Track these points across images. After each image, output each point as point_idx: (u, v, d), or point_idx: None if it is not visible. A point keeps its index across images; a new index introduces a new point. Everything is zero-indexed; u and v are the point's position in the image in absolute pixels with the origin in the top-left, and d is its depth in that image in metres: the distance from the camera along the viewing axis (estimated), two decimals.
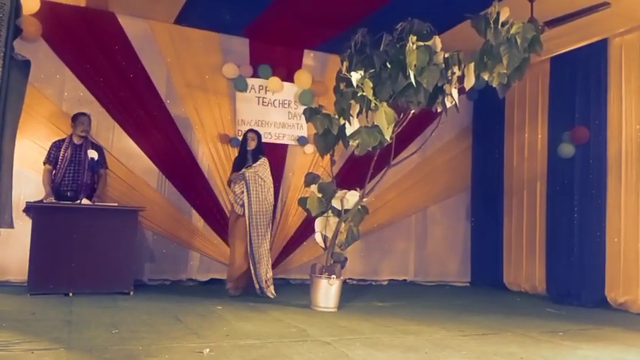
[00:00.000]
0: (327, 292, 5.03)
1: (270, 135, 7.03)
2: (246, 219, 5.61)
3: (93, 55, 6.20)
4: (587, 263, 6.16)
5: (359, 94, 4.72)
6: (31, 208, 5.23)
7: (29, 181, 5.66)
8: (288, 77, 7.09)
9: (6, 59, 2.56)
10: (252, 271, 5.58)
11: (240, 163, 5.88)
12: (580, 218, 6.31)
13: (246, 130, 6.19)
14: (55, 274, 5.10)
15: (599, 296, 6.01)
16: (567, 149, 6.43)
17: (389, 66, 4.80)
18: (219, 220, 6.68)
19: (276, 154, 7.05)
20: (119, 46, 6.31)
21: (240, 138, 6.27)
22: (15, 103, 2.77)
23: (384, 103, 4.77)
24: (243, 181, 5.67)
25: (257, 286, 5.60)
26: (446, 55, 4.72)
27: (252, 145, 5.88)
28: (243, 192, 5.65)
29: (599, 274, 6.03)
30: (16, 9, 2.63)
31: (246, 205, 5.62)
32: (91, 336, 3.50)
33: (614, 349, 3.86)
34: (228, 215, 6.21)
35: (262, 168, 5.79)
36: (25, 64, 2.94)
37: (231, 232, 5.87)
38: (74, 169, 5.55)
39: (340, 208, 5.16)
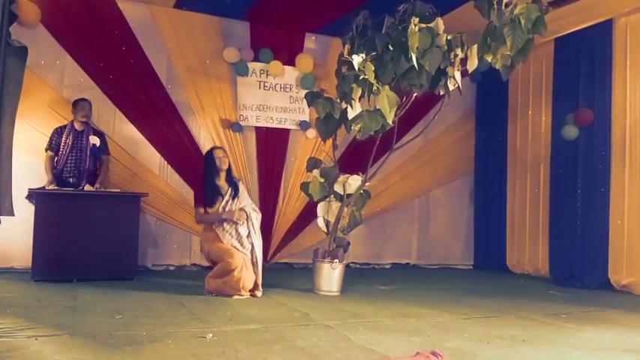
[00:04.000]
0: (330, 276, 5.04)
1: (272, 120, 7.00)
2: (252, 257, 4.80)
3: (93, 40, 6.15)
4: (590, 245, 6.14)
5: (361, 78, 4.66)
6: (33, 195, 5.25)
7: (31, 167, 5.65)
8: (290, 61, 7.03)
9: (1, 46, 2.54)
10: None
11: (213, 192, 4.86)
12: (583, 200, 6.29)
13: (210, 147, 5.28)
14: (58, 261, 5.13)
15: (602, 278, 6.00)
16: (571, 131, 6.39)
17: (391, 48, 4.75)
18: None
19: (278, 139, 7.04)
20: (119, 31, 6.25)
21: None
22: (13, 90, 2.75)
23: (387, 87, 4.73)
24: (246, 221, 4.80)
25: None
26: (448, 37, 4.66)
27: (225, 163, 4.97)
28: (249, 235, 4.80)
29: (602, 257, 6.01)
30: None
31: (256, 246, 4.81)
32: (94, 322, 3.52)
33: (616, 331, 3.86)
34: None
35: (249, 196, 5.11)
36: (22, 51, 2.91)
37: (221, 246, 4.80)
38: (76, 155, 5.56)
39: (342, 193, 5.14)
